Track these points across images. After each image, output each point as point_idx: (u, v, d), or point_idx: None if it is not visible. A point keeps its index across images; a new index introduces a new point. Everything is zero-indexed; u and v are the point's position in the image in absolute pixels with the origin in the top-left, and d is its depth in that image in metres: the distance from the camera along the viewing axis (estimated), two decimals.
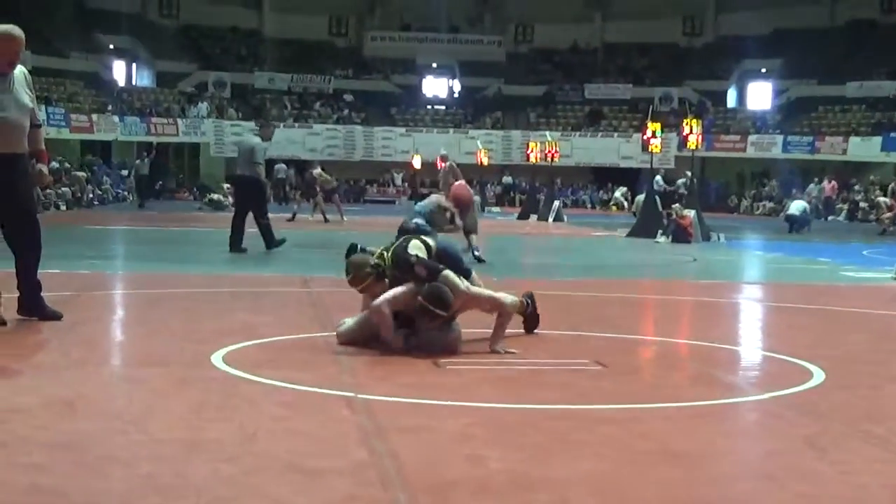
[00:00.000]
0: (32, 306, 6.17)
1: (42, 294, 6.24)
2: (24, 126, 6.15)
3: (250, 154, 13.04)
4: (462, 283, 5.51)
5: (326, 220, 21.60)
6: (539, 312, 6.22)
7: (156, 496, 2.95)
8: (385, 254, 5.61)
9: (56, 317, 6.17)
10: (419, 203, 11.12)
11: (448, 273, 5.49)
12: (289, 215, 21.71)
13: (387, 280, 5.53)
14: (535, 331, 6.20)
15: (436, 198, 10.85)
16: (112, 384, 4.70)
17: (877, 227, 24.52)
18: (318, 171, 22.82)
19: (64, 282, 8.73)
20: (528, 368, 5.19)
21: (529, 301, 6.17)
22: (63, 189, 27.02)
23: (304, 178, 23.97)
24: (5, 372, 4.66)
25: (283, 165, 36.09)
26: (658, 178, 30.56)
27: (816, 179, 35.81)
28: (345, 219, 22.08)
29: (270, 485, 3.07)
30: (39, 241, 6.25)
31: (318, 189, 22.46)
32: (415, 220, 11.30)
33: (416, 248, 5.60)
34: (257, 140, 13.27)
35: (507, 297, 5.80)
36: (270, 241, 12.92)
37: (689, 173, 23.69)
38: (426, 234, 11.10)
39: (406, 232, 11.49)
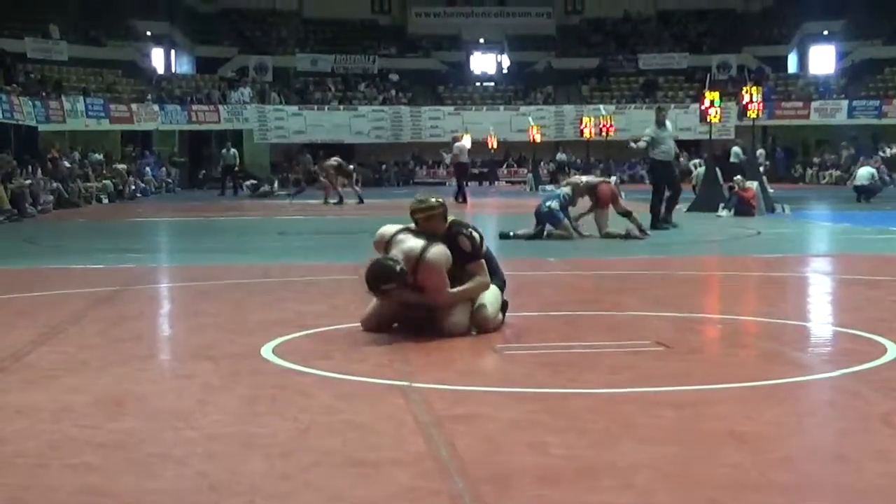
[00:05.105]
0: None
1: None
2: None
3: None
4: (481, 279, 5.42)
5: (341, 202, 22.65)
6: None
7: (210, 494, 2.91)
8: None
9: None
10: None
11: (483, 262, 5.47)
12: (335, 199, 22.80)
13: (447, 222, 5.49)
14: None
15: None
16: (161, 380, 4.68)
17: None
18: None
19: (108, 277, 8.82)
20: (588, 351, 5.09)
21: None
22: (105, 182, 27.02)
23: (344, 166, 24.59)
24: (52, 371, 4.66)
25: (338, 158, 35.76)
26: (737, 149, 29.55)
27: None
28: (331, 202, 22.96)
29: (327, 479, 3.02)
30: None
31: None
32: (548, 203, 12.40)
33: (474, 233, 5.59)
34: (651, 127, 14.86)
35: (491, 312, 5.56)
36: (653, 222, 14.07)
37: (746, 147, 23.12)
38: (556, 221, 12.43)
39: (540, 216, 12.60)
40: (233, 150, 31.29)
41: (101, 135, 34.32)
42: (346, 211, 19.97)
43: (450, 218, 5.55)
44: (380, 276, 5.17)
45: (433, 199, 5.52)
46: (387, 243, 5.40)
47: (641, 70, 43.76)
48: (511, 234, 12.61)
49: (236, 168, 31.69)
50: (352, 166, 26.80)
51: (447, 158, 42.06)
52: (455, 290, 5.39)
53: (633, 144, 15.65)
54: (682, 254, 11.15)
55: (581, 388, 4.24)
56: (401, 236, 5.40)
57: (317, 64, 43.37)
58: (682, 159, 18.16)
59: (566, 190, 12.87)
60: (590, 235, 12.65)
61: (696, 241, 12.69)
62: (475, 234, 5.52)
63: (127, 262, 10.23)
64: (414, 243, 5.34)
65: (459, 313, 5.40)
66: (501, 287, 5.69)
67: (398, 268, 5.19)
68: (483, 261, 5.53)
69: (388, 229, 5.50)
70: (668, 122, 15.30)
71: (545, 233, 12.55)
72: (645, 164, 41.65)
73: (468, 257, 5.43)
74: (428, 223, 5.46)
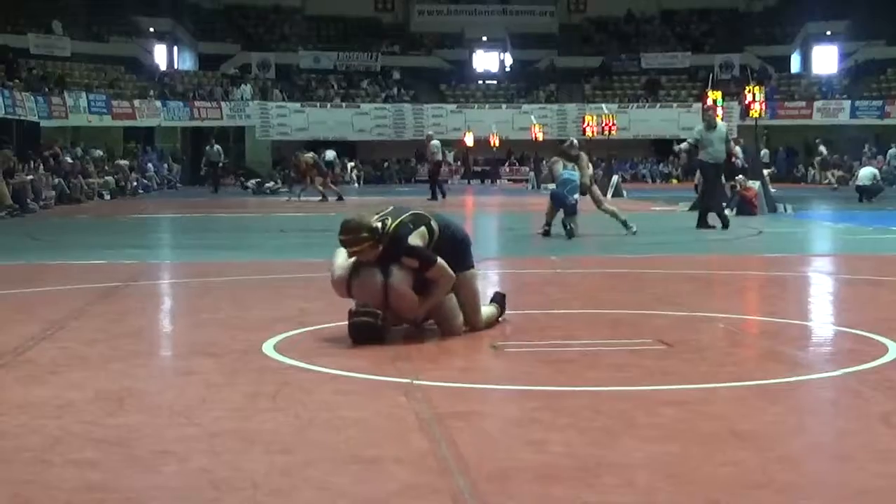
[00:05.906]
0: None
1: None
2: None
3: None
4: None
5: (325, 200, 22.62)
6: (505, 308, 5.84)
7: (211, 490, 2.90)
8: (388, 222, 5.26)
9: None
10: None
11: (442, 264, 5.21)
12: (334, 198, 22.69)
13: (380, 247, 5.19)
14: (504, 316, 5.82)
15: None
16: (162, 376, 4.69)
17: None
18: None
19: (110, 272, 8.81)
20: (590, 349, 5.08)
21: (500, 308, 5.78)
22: (106, 178, 26.92)
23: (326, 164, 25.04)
24: (54, 366, 4.66)
25: (333, 152, 35.62)
26: (737, 149, 29.37)
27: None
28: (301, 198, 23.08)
29: (328, 475, 3.01)
30: None
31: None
32: (576, 196, 12.71)
33: (418, 236, 5.26)
34: (698, 127, 14.78)
35: (484, 311, 5.55)
36: (701, 221, 14.19)
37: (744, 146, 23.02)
38: (574, 214, 12.54)
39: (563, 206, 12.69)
40: (216, 147, 31.23)
41: (104, 131, 34.24)
42: (346, 209, 19.97)
43: (392, 225, 5.22)
44: (368, 336, 5.09)
45: (363, 233, 5.14)
46: (348, 286, 5.25)
47: (644, 69, 43.69)
48: (547, 228, 12.61)
49: (220, 165, 31.68)
50: (331, 157, 26.75)
51: (450, 157, 42.13)
52: (425, 305, 5.28)
53: (677, 147, 15.58)
54: (683, 252, 11.13)
55: (582, 385, 4.22)
56: (361, 275, 5.21)
57: (319, 61, 43.20)
58: (737, 160, 18.00)
59: (578, 176, 12.91)
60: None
61: (697, 240, 12.66)
62: (413, 244, 5.19)
63: (128, 258, 10.22)
64: (375, 279, 5.19)
65: (454, 319, 5.37)
66: (465, 248, 5.52)
67: (378, 322, 5.12)
68: (439, 262, 5.21)
69: (341, 272, 5.25)
70: (720, 124, 15.08)
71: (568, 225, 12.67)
72: (646, 163, 41.95)
73: (422, 270, 5.21)
74: (361, 255, 5.20)
